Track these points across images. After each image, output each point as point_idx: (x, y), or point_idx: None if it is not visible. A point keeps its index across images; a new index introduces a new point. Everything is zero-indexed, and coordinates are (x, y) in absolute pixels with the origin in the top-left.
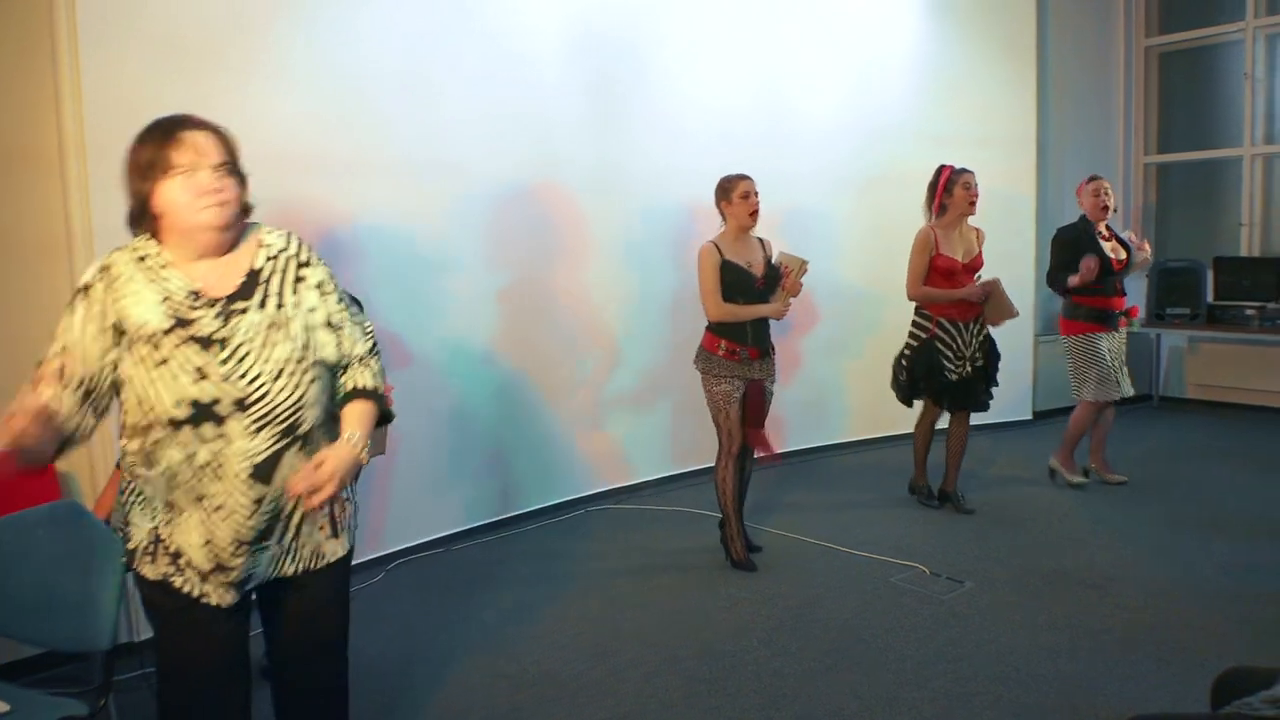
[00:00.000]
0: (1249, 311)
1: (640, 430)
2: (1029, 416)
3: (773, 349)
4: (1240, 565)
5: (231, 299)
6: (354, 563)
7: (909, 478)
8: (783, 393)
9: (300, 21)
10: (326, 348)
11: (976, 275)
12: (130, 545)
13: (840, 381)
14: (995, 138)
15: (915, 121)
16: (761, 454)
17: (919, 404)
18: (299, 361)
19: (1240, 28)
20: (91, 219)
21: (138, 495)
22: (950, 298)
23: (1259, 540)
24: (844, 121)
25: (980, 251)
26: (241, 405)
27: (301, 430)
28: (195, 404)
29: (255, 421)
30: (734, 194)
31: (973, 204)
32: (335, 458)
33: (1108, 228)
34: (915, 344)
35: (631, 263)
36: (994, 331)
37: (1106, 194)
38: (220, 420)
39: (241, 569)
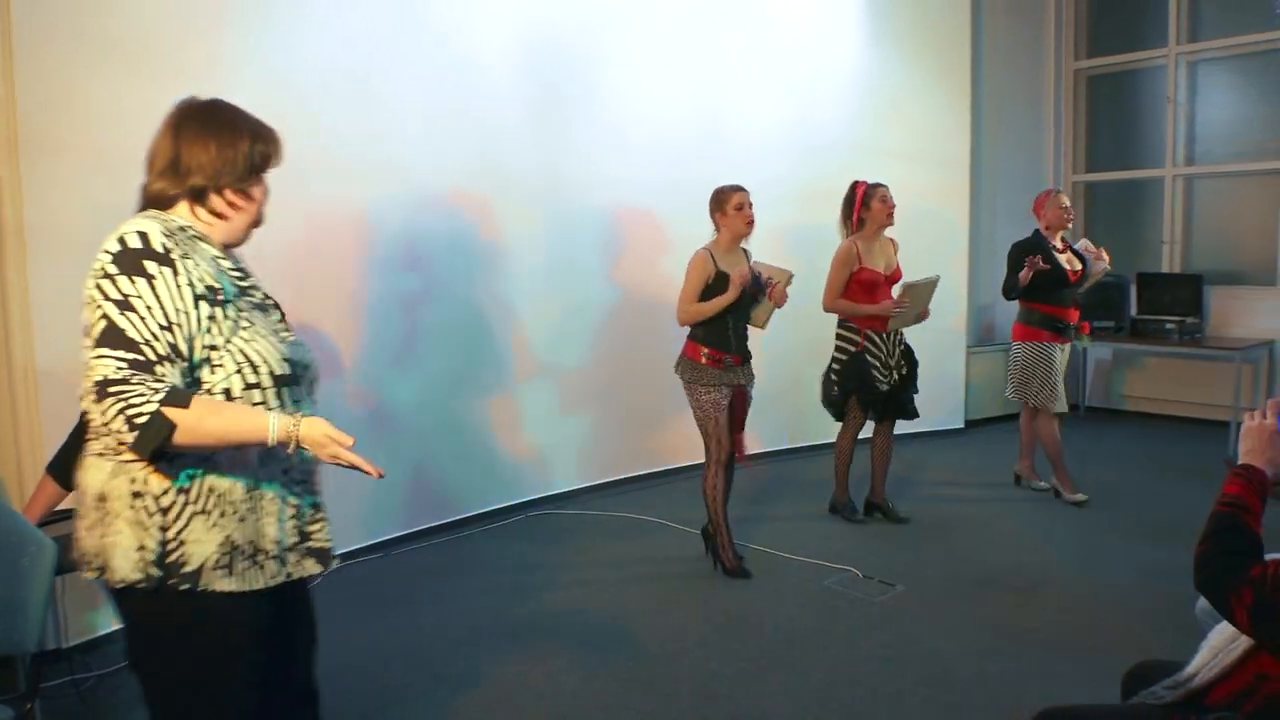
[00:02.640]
0: (1169, 325)
1: (579, 436)
2: (961, 425)
3: (750, 355)
4: (1158, 568)
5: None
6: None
7: (829, 497)
8: None
9: (239, 22)
10: None
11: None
12: (190, 566)
13: (778, 391)
14: (930, 155)
15: (853, 137)
16: (739, 458)
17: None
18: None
19: (1163, 53)
20: (25, 220)
21: (202, 501)
22: (865, 312)
23: (1175, 543)
24: (784, 136)
25: (898, 261)
26: (306, 370)
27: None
28: (290, 362)
29: (312, 384)
30: (729, 205)
31: (890, 215)
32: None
33: (1063, 240)
34: (844, 358)
35: (572, 269)
36: (925, 341)
37: (1067, 208)
38: (299, 382)
39: (320, 538)
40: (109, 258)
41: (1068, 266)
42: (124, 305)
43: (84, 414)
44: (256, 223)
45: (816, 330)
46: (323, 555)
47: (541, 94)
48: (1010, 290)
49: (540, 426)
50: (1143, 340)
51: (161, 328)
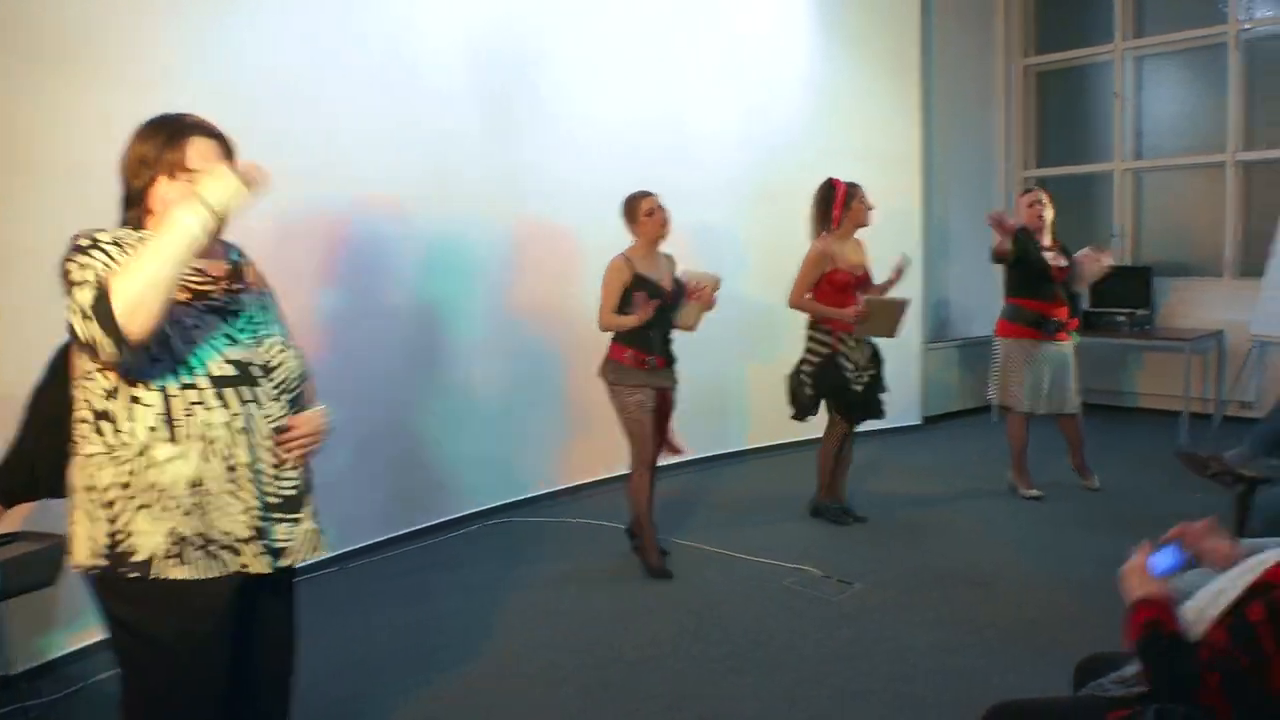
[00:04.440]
0: (1120, 318)
1: (538, 442)
2: (919, 422)
3: (675, 359)
4: (1113, 559)
5: (228, 279)
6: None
7: (810, 498)
8: (686, 402)
9: (187, 30)
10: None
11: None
12: (139, 556)
13: (741, 390)
14: (882, 153)
15: (807, 138)
16: (670, 450)
17: (820, 421)
18: (292, 341)
19: (1110, 49)
20: None
21: (143, 495)
22: (831, 315)
23: (1130, 534)
24: (738, 137)
25: (867, 262)
26: (267, 370)
27: (300, 403)
28: (236, 364)
29: (276, 387)
30: (639, 212)
31: (869, 215)
32: (308, 418)
33: (1053, 238)
34: (817, 359)
35: (525, 276)
36: (888, 341)
37: (1041, 204)
38: (254, 383)
39: (276, 536)
40: (68, 255)
41: (1053, 264)
42: (84, 266)
43: (21, 436)
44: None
45: (773, 328)
46: (276, 554)
47: (492, 100)
48: (993, 253)
49: (498, 433)
50: (1094, 333)
51: (93, 281)
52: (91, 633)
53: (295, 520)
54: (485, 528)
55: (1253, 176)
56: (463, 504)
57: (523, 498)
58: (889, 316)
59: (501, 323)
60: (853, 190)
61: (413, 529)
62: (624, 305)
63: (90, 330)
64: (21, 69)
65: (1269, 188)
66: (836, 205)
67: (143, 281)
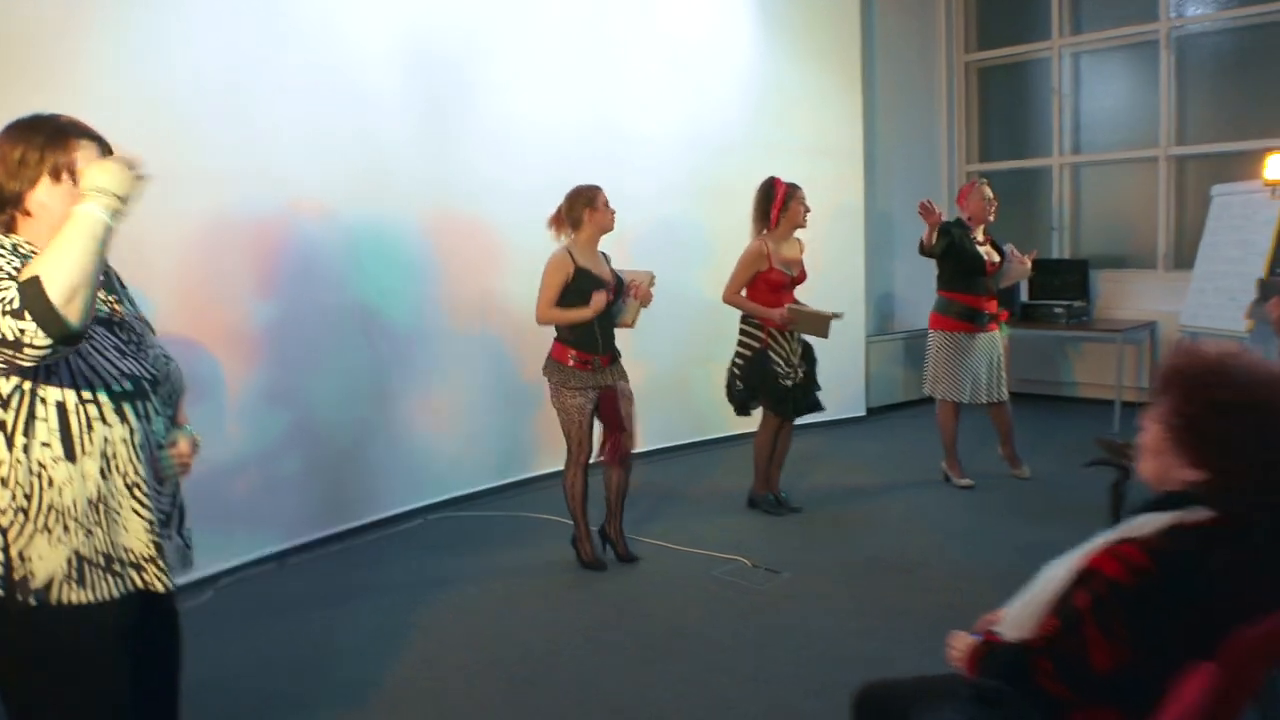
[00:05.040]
0: (1057, 310)
1: (479, 438)
2: (863, 413)
3: (619, 354)
4: (1038, 547)
5: (104, 288)
6: (183, 581)
7: (747, 490)
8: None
9: (103, 33)
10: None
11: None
12: (37, 583)
13: (686, 384)
14: (825, 148)
15: (749, 136)
16: (610, 459)
17: (757, 414)
18: (167, 353)
19: (1048, 46)
20: None
21: (42, 518)
22: (760, 313)
23: (1057, 522)
24: (680, 136)
25: (802, 261)
26: (154, 384)
27: (175, 415)
28: (131, 378)
29: (162, 401)
30: (599, 201)
31: (805, 217)
32: (188, 439)
33: (985, 232)
34: (749, 353)
35: (464, 275)
36: (831, 332)
37: (991, 199)
38: (146, 398)
39: (170, 552)
40: None
41: (986, 258)
42: None
43: None
44: None
45: (721, 324)
46: (170, 570)
47: (425, 102)
48: (921, 246)
49: (438, 430)
50: (1033, 324)
51: (9, 277)
52: None
53: (168, 536)
54: (427, 523)
55: (1185, 170)
56: (401, 501)
57: (463, 494)
58: (817, 324)
59: (435, 322)
60: (791, 191)
61: (353, 525)
62: (562, 300)
63: (17, 325)
64: None
65: (1200, 181)
66: (775, 205)
67: (73, 268)
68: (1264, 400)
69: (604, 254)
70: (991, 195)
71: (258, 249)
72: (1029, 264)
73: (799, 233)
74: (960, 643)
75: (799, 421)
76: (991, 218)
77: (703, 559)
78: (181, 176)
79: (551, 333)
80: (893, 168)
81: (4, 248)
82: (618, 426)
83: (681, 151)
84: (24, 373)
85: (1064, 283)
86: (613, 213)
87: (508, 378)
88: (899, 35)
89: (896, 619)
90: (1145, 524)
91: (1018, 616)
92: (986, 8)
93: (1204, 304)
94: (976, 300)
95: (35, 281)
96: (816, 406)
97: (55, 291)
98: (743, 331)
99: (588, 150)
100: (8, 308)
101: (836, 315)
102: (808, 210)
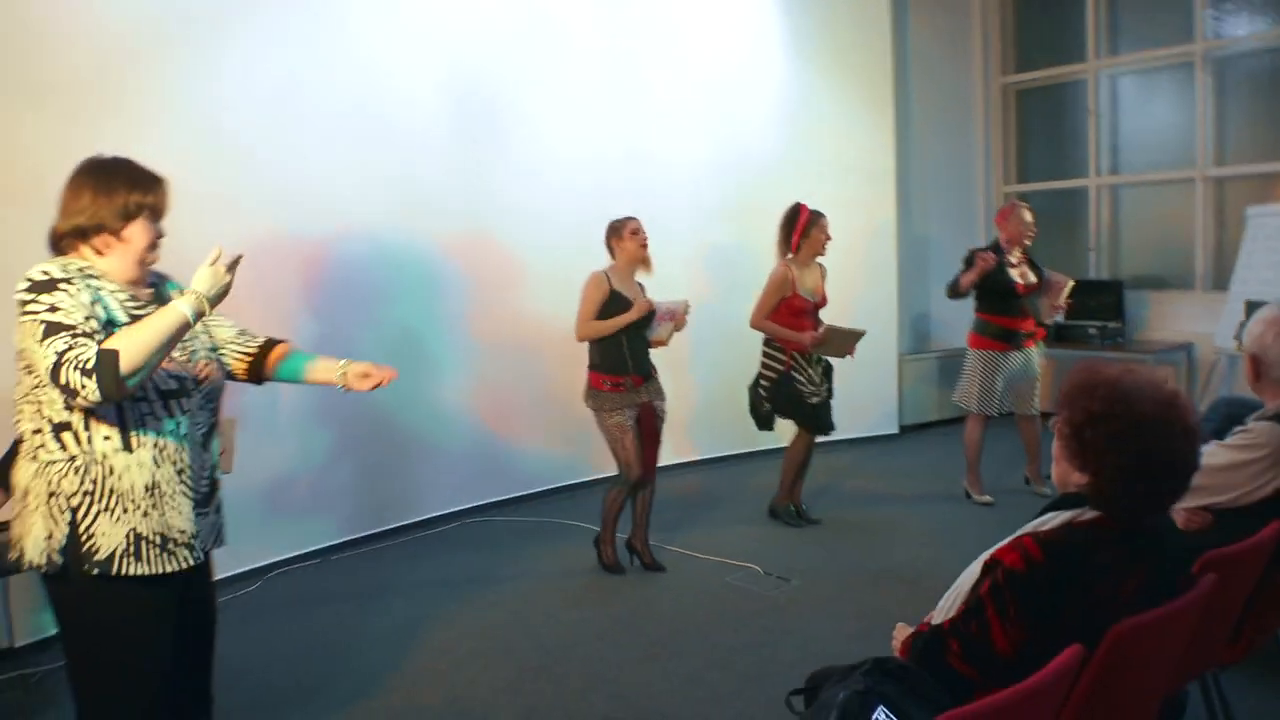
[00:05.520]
0: (1091, 330)
1: (512, 448)
2: (895, 431)
3: (654, 370)
4: None
5: (154, 303)
6: (233, 572)
7: (770, 500)
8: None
9: (163, 64)
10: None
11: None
12: (101, 555)
13: (719, 401)
14: (857, 170)
15: (780, 157)
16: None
17: (784, 429)
18: (211, 351)
19: (1084, 68)
20: None
21: (105, 500)
22: (788, 337)
23: None
24: (714, 162)
25: (824, 287)
26: (197, 383)
27: (220, 412)
28: (176, 378)
29: (205, 397)
30: (624, 231)
31: (825, 246)
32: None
33: (1021, 253)
34: (774, 375)
35: (499, 296)
36: (864, 350)
37: (1030, 222)
38: (188, 395)
39: (211, 528)
40: (24, 290)
41: (1019, 280)
42: (52, 309)
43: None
44: (142, 261)
45: (753, 344)
46: (212, 542)
47: (466, 136)
48: (951, 289)
49: (473, 440)
50: (1066, 345)
51: (85, 318)
52: None
53: (204, 514)
54: (460, 526)
55: (1223, 191)
56: (437, 505)
57: (496, 500)
58: (844, 342)
59: (471, 340)
60: (814, 218)
61: (392, 526)
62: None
63: (81, 380)
64: (23, 105)
65: (1238, 202)
66: (796, 231)
67: (148, 354)
68: (1124, 412)
69: (639, 284)
70: (1031, 219)
71: (306, 269)
72: (1062, 304)
73: (836, 245)
74: (900, 633)
75: (834, 437)
76: (1028, 241)
77: (719, 566)
78: (237, 201)
79: (585, 355)
80: (928, 189)
81: (60, 285)
82: (649, 442)
83: (713, 175)
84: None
85: (1099, 303)
86: (640, 242)
87: (538, 393)
88: (934, 58)
89: (890, 625)
90: (1047, 520)
91: (943, 607)
92: (1023, 30)
93: (1238, 325)
94: (1011, 321)
95: (113, 355)
96: (829, 427)
97: (126, 369)
98: (766, 355)
99: (620, 176)
100: (81, 364)
101: (862, 332)
102: (829, 238)
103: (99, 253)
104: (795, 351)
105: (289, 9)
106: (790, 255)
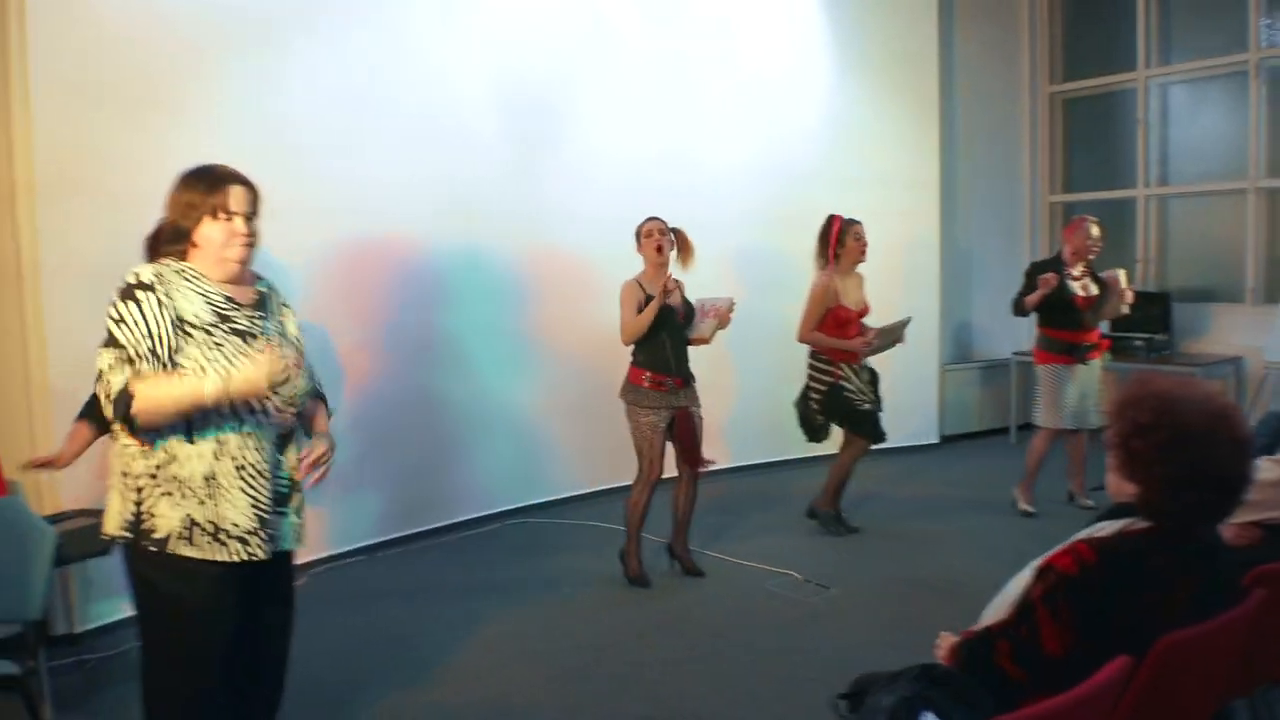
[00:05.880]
0: (1138, 343)
1: (557, 450)
2: (936, 441)
3: (693, 377)
4: None
5: (253, 307)
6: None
7: (810, 502)
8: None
9: (231, 74)
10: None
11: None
12: (159, 534)
13: (761, 406)
14: (900, 179)
15: (824, 166)
16: (701, 469)
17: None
18: (299, 363)
19: (1134, 77)
20: (40, 253)
21: (166, 485)
22: (840, 347)
23: None
24: (758, 167)
25: (865, 297)
26: (275, 386)
27: (305, 414)
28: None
29: (284, 401)
30: (640, 234)
31: (863, 252)
32: (330, 446)
33: (1086, 266)
34: (824, 388)
35: (547, 299)
36: (899, 359)
37: (1096, 238)
38: (263, 397)
39: (276, 527)
40: (117, 290)
41: (1081, 293)
42: (119, 321)
43: None
44: (221, 260)
45: (794, 349)
46: (276, 542)
47: (519, 139)
48: (1015, 307)
49: (519, 442)
50: (1112, 357)
51: (143, 336)
52: None
53: (284, 513)
54: (507, 526)
55: (1275, 203)
56: (482, 505)
57: (538, 501)
58: (893, 335)
59: (518, 343)
60: (846, 227)
61: (437, 525)
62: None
63: (104, 401)
64: (94, 106)
65: None
66: (831, 242)
67: (159, 408)
68: (1170, 423)
69: (677, 280)
70: (1097, 234)
71: (353, 272)
72: (1129, 297)
73: (880, 253)
74: (945, 641)
75: (872, 446)
76: (1092, 255)
77: (759, 572)
78: (298, 208)
79: (627, 357)
80: (973, 198)
81: (138, 295)
82: (690, 445)
83: (757, 179)
84: (170, 363)
85: (1145, 315)
86: (654, 245)
87: (586, 395)
88: (981, 67)
89: (931, 635)
90: (1100, 529)
91: (990, 615)
92: (1072, 39)
93: None
94: (1074, 335)
95: (128, 399)
96: (881, 435)
97: (139, 410)
98: (812, 367)
99: (666, 181)
100: (107, 389)
101: (907, 320)
102: (863, 245)
103: (191, 253)
104: (843, 361)
105: (350, 18)
106: (830, 267)
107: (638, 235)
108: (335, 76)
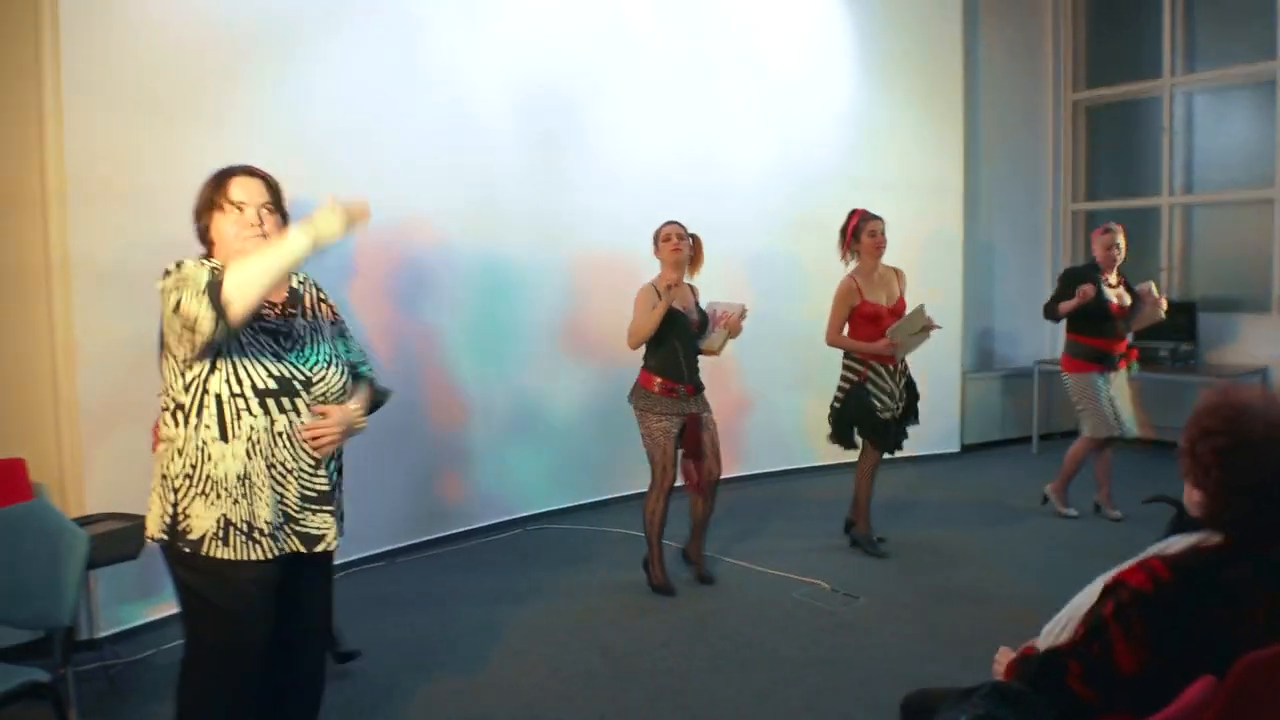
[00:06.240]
0: (1162, 353)
1: (576, 456)
2: (957, 449)
3: (703, 386)
4: None
5: (285, 304)
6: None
7: (838, 517)
8: (723, 421)
9: (260, 78)
10: (350, 352)
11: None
12: (193, 535)
13: (779, 411)
14: (922, 183)
15: (845, 169)
16: (693, 487)
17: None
18: (338, 357)
19: (1159, 84)
20: (70, 256)
21: (201, 485)
22: (867, 350)
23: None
24: (777, 170)
25: (902, 293)
26: (308, 384)
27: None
28: (277, 379)
29: (315, 399)
30: (658, 238)
31: (878, 249)
32: (341, 411)
33: (1118, 274)
34: (848, 387)
35: (568, 300)
36: (920, 365)
37: (1117, 246)
38: (294, 395)
39: (309, 524)
40: (162, 277)
41: (1114, 300)
42: (178, 268)
43: None
44: (238, 254)
45: (812, 352)
46: (308, 539)
47: (539, 139)
48: (1049, 313)
49: (538, 447)
50: (1140, 367)
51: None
52: (164, 606)
53: (327, 511)
54: (524, 533)
55: None
56: (501, 511)
57: (559, 508)
58: (913, 329)
59: (538, 345)
60: (861, 224)
61: (457, 531)
62: (653, 339)
63: (196, 307)
64: (122, 110)
65: None
66: (846, 236)
67: (250, 273)
68: (1233, 430)
69: (691, 286)
70: (1118, 243)
71: (380, 277)
72: (1164, 304)
73: (895, 262)
74: (1003, 656)
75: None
76: (1116, 264)
77: (785, 581)
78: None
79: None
80: (995, 204)
81: (189, 263)
82: (701, 454)
83: (778, 181)
84: (199, 368)
85: (1171, 325)
86: (672, 248)
87: (606, 400)
88: (1005, 73)
89: (964, 647)
90: (1172, 543)
91: (1053, 631)
92: (1096, 46)
93: None
94: (1106, 343)
95: (217, 284)
96: (898, 444)
97: (230, 284)
98: (844, 366)
99: (686, 181)
100: (196, 289)
101: (920, 308)
102: (878, 241)
103: (213, 252)
104: (874, 362)
105: (373, 21)
106: (851, 264)
107: (656, 239)
108: (361, 81)
